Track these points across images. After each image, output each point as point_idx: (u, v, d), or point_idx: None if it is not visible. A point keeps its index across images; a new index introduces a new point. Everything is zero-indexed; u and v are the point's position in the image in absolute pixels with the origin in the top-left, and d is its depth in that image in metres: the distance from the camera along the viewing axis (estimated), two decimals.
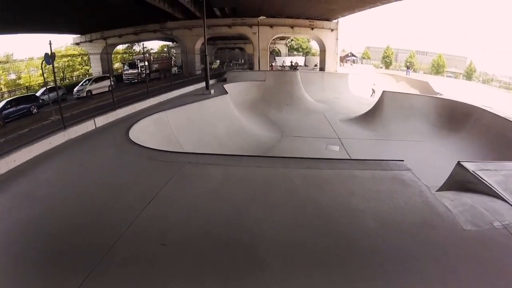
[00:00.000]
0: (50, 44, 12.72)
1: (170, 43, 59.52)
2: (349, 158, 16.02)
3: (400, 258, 4.81)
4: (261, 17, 39.27)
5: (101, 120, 14.26)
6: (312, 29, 44.21)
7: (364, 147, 18.76)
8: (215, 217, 5.87)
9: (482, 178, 7.83)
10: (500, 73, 57.13)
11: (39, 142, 10.89)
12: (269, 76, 27.14)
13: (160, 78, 35.19)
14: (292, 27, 43.72)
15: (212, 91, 21.05)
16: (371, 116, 23.27)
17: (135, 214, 5.99)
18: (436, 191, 9.48)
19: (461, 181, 8.38)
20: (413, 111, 22.25)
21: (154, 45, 74.21)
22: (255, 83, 26.28)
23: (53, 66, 13.20)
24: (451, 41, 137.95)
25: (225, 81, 27.38)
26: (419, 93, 31.45)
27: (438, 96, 26.31)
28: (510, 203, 6.90)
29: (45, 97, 21.43)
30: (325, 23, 44.30)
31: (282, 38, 63.89)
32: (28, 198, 7.32)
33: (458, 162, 8.67)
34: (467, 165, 8.56)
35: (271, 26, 42.97)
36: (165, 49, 59.22)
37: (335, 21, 44.94)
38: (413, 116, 22.07)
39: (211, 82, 26.12)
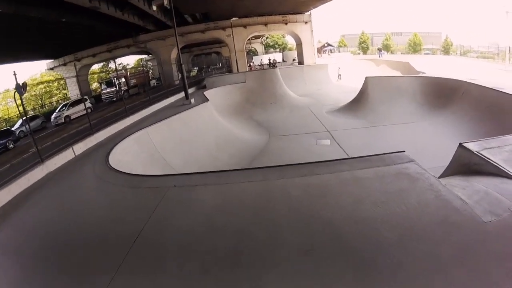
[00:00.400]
0: (15, 74, 11.98)
1: (146, 56, 58.60)
2: (346, 156, 15.26)
3: (430, 270, 4.19)
4: (234, 19, 38.82)
5: (80, 147, 13.43)
6: (286, 24, 43.72)
7: (355, 137, 18.19)
8: (209, 257, 5.06)
9: (488, 158, 7.36)
10: (477, 44, 57.88)
11: (17, 180, 10.15)
12: (249, 77, 26.45)
13: (139, 93, 34.50)
14: (265, 24, 43.18)
15: (193, 100, 20.26)
16: (357, 104, 22.80)
17: (117, 263, 5.21)
18: (440, 176, 9.04)
19: (467, 164, 7.93)
20: (399, 93, 21.89)
21: (131, 60, 73.03)
22: (236, 86, 25.60)
23: (20, 98, 12.39)
24: (424, 19, 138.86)
25: (205, 87, 26.58)
26: (401, 75, 31.09)
27: (421, 75, 25.95)
28: None
29: (24, 128, 20.74)
30: (298, 16, 43.84)
31: (257, 37, 63.34)
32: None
33: (460, 144, 8.20)
34: (470, 145, 8.07)
35: (244, 26, 42.36)
36: (141, 63, 58.20)
37: (307, 13, 44.48)
38: (400, 98, 21.69)
39: (190, 90, 25.44)
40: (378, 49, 52.59)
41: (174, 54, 42.21)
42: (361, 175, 6.79)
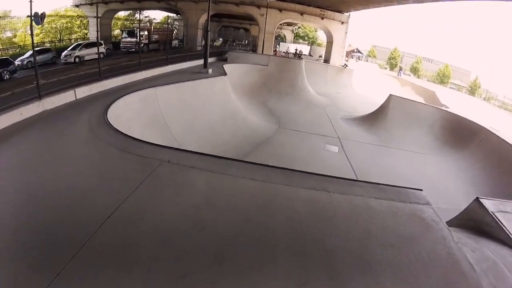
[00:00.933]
0: (31, 2, 11.04)
1: (174, 15, 57.31)
2: (351, 169, 14.59)
3: None
4: None
5: (83, 91, 12.67)
6: (322, 18, 42.13)
7: (364, 152, 17.36)
8: (190, 258, 4.31)
9: (502, 224, 6.81)
10: (501, 93, 57.80)
11: (9, 112, 9.50)
12: (272, 62, 25.40)
13: (159, 50, 33.69)
14: (301, 13, 41.50)
15: (210, 70, 19.30)
16: (374, 119, 21.88)
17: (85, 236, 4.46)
18: (447, 223, 8.44)
19: (479, 221, 7.39)
20: (418, 120, 21.07)
21: (158, 15, 71.53)
22: (257, 67, 24.55)
23: (31, 29, 11.63)
24: (457, 53, 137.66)
25: (225, 61, 25.51)
26: (424, 102, 30.23)
27: (444, 108, 25.11)
28: None
29: (32, 59, 19.38)
30: (336, 14, 42.30)
31: (289, 24, 61.90)
32: None
33: (477, 198, 7.60)
34: (486, 203, 7.46)
35: (280, 10, 40.71)
36: (168, 21, 57.07)
37: (346, 14, 42.96)
38: (418, 125, 20.90)
39: (210, 60, 24.46)
40: (399, 67, 50.93)
41: (202, 19, 40.85)
42: (374, 205, 6.02)
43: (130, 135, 8.56)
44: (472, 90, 61.64)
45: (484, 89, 61.62)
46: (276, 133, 17.12)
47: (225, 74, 19.46)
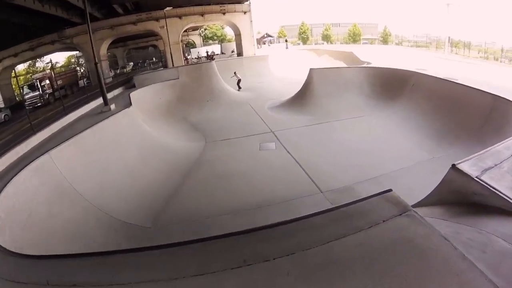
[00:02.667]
0: None
1: (77, 52, 53.47)
2: (295, 162, 13.09)
3: None
4: (168, 8, 35.26)
5: None
6: (224, 14, 40.62)
7: (303, 137, 15.96)
8: None
9: (494, 188, 5.70)
10: (413, 34, 60.74)
11: None
12: (183, 72, 23.14)
13: (67, 95, 29.98)
14: (202, 14, 39.83)
15: (113, 106, 16.51)
16: (301, 98, 20.60)
17: None
18: (421, 204, 7.13)
19: (463, 193, 6.24)
20: (346, 85, 20.10)
21: (61, 58, 66.29)
22: (168, 83, 22.26)
23: None
24: (363, 11, 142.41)
25: (134, 87, 23.06)
26: (345, 65, 29.45)
27: (366, 65, 24.36)
28: None
29: None
30: (237, 6, 41.03)
31: (194, 29, 59.70)
32: None
33: (453, 165, 6.46)
34: (466, 168, 6.31)
35: (179, 17, 38.79)
36: (74, 60, 53.17)
37: (247, 3, 41.87)
38: (347, 91, 19.95)
39: (117, 91, 22.36)
40: (285, 40, 49.58)
41: (104, 49, 38.08)
42: (338, 250, 4.25)
43: (28, 226, 6.83)
44: (384, 39, 63.80)
45: (395, 35, 63.88)
46: (205, 149, 15.11)
47: (130, 105, 16.69)
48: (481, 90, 14.41)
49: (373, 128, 16.60)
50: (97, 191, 10.37)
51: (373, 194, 5.35)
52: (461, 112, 14.76)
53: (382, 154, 13.53)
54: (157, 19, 37.89)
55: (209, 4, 39.74)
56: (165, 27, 36.12)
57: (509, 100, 13.02)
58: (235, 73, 27.13)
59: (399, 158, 12.98)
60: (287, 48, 46.50)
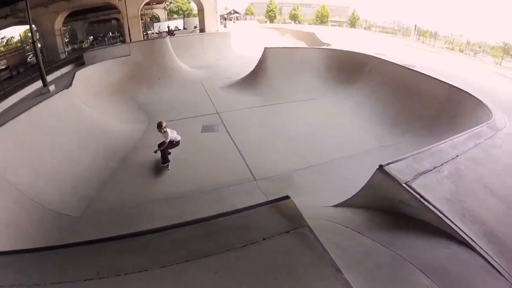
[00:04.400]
0: None
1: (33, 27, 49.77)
2: (236, 149, 12.38)
3: None
4: None
5: None
6: None
7: (249, 118, 15.29)
8: None
9: (425, 199, 5.01)
10: (382, 20, 62.30)
11: None
12: (135, 49, 21.65)
13: (12, 77, 26.35)
14: None
15: (52, 88, 14.80)
16: (254, 78, 19.67)
17: None
18: (337, 205, 6.70)
19: (390, 199, 5.51)
20: (302, 66, 19.42)
21: (16, 33, 60.20)
22: (119, 60, 20.71)
23: None
24: None
25: (84, 64, 21.04)
26: (305, 46, 28.60)
27: (326, 47, 23.64)
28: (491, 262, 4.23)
29: None
30: None
31: (159, 2, 56.90)
32: None
33: (380, 166, 5.77)
34: (394, 170, 5.60)
35: None
36: (31, 34, 49.48)
37: None
38: (303, 72, 19.19)
39: (66, 69, 20.55)
40: (224, 18, 46.47)
41: (59, 23, 35.34)
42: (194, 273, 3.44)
43: None
44: (352, 23, 64.18)
45: (363, 20, 64.41)
46: (146, 132, 14.10)
47: (70, 85, 14.94)
48: (438, 79, 14.12)
49: (324, 111, 16.05)
50: (30, 179, 9.39)
51: (266, 201, 4.57)
52: (416, 100, 14.50)
53: (329, 140, 13.08)
54: None
55: None
56: (123, 0, 33.97)
57: (465, 91, 12.68)
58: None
59: (346, 145, 12.57)
60: (225, 27, 44.15)
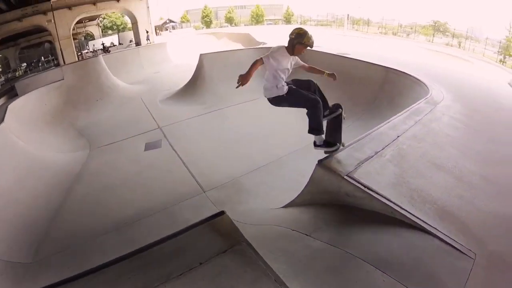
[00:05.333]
0: None
1: None
2: (182, 164, 11.93)
3: None
4: None
5: None
6: (118, 1, 37.16)
7: (192, 129, 14.95)
8: None
9: (370, 189, 4.93)
10: (316, 13, 64.38)
11: None
12: (68, 72, 20.43)
13: None
14: (94, 3, 36.13)
15: None
16: (193, 86, 19.33)
17: None
18: (287, 205, 6.66)
19: (335, 193, 5.37)
20: (239, 68, 18.96)
21: None
22: (54, 85, 19.52)
23: None
24: None
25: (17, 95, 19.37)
26: (242, 47, 28.61)
27: (262, 46, 23.75)
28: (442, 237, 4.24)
29: None
30: None
31: (91, 19, 54.95)
32: None
33: (319, 161, 5.81)
34: (336, 163, 5.64)
35: (69, 7, 34.62)
36: None
37: None
38: (239, 73, 18.82)
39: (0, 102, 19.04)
40: (146, 31, 44.65)
41: None
42: None
43: None
44: (287, 19, 65.62)
45: (298, 15, 65.98)
46: (89, 159, 13.37)
47: (1, 121, 13.51)
48: (373, 63, 14.58)
49: (267, 110, 15.56)
50: None
51: (200, 220, 4.43)
52: (355, 86, 14.88)
53: (275, 138, 13.19)
54: (44, 12, 33.34)
55: None
56: (52, 21, 32.58)
57: (400, 71, 13.14)
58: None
59: (292, 141, 12.56)
60: (148, 42, 41.43)
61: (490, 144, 7.59)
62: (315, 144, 6.34)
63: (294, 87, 6.41)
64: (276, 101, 6.62)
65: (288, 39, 6.21)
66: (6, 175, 10.99)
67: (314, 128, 6.29)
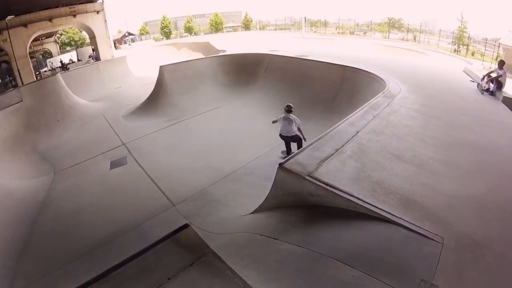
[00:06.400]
0: None
1: None
2: (151, 180, 11.72)
3: None
4: (10, 17, 30.23)
5: None
6: (75, 16, 36.37)
7: (157, 143, 14.83)
8: None
9: (332, 187, 5.04)
10: (275, 18, 66.05)
11: None
12: (26, 93, 19.43)
13: None
14: (50, 19, 34.97)
15: None
16: (155, 99, 19.15)
17: None
18: (261, 205, 6.59)
19: (298, 194, 5.42)
20: (200, 77, 19.43)
21: None
22: (11, 109, 18.22)
23: None
24: (227, 0, 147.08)
25: None
26: (202, 56, 28.47)
27: (222, 53, 23.78)
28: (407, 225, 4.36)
29: None
30: (88, 6, 36.88)
31: (48, 36, 53.27)
32: None
33: (280, 164, 5.85)
34: (296, 164, 5.68)
35: (25, 25, 33.24)
36: None
37: (99, 1, 37.92)
38: (201, 83, 19.22)
39: None
40: (92, 50, 43.02)
41: None
42: None
43: None
44: (246, 26, 66.18)
45: (257, 21, 66.77)
46: (53, 184, 12.84)
47: None
48: (331, 63, 14.83)
49: (230, 117, 16.28)
50: None
51: (165, 235, 4.40)
52: (314, 87, 15.59)
53: (239, 145, 13.29)
54: None
55: (57, 7, 34.95)
56: (8, 40, 31.42)
57: (357, 69, 13.46)
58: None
59: (256, 146, 12.83)
60: (92, 58, 40.45)
61: (448, 129, 7.87)
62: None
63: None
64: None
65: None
66: None
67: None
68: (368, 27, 49.03)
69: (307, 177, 5.24)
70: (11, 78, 39.93)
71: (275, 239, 4.86)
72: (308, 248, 4.34)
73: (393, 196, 4.97)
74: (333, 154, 5.93)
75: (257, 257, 4.46)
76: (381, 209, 4.62)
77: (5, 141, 16.47)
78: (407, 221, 4.43)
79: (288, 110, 11.15)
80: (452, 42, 34.59)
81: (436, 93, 11.26)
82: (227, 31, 64.73)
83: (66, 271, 8.20)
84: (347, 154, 6.01)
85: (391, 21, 48.44)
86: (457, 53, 30.25)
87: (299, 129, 10.99)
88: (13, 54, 31.99)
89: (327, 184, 5.08)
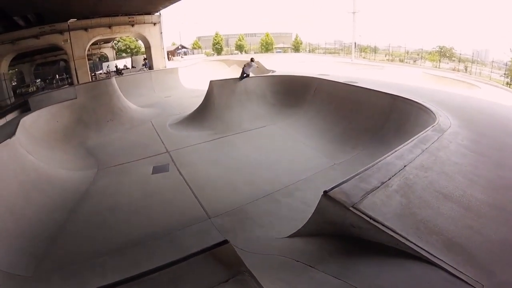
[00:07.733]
0: None
1: None
2: (189, 189, 11.77)
3: None
4: (72, 20, 31.74)
5: None
6: (133, 25, 38.11)
7: (200, 154, 14.88)
8: None
9: (375, 220, 4.83)
10: (324, 41, 65.87)
11: None
12: (81, 91, 20.62)
13: None
14: (110, 26, 36.80)
15: None
16: (203, 112, 19.50)
17: None
18: (300, 230, 6.39)
19: (340, 224, 5.26)
20: (248, 95, 19.53)
21: None
22: (65, 104, 19.65)
23: None
24: (277, 21, 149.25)
25: (30, 110, 19.58)
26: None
27: (271, 73, 23.97)
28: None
29: None
30: (146, 17, 38.60)
31: (107, 41, 55.83)
32: None
33: (324, 192, 5.49)
34: (338, 194, 5.41)
35: (85, 29, 35.31)
36: None
37: (157, 14, 39.52)
38: (249, 101, 19.32)
39: (12, 115, 19.21)
40: (144, 62, 43.82)
41: (4, 67, 33.75)
42: None
43: None
44: (296, 47, 66.30)
45: (307, 43, 67.05)
46: (95, 179, 13.23)
47: (13, 134, 13.55)
48: (379, 91, 14.60)
49: (275, 138, 16.18)
50: None
51: (202, 248, 4.32)
52: (362, 114, 15.04)
53: (281, 166, 13.05)
54: (61, 32, 34.01)
55: (117, 15, 36.79)
56: (68, 41, 33.10)
57: (407, 99, 13.13)
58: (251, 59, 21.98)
59: (299, 169, 12.56)
60: (145, 67, 41.77)
61: (498, 170, 7.45)
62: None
63: None
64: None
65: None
66: (13, 187, 10.97)
67: None
68: (418, 55, 48.09)
69: (351, 208, 5.03)
70: (67, 76, 42.20)
71: (311, 266, 4.69)
72: (345, 281, 4.15)
73: (436, 236, 4.72)
74: (379, 187, 5.71)
75: (291, 283, 4.33)
76: (423, 249, 4.39)
77: (56, 133, 17.34)
78: (448, 264, 4.19)
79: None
80: (505, 74, 33.23)
81: (487, 130, 10.72)
82: (277, 52, 65.47)
83: (93, 264, 8.31)
84: (393, 188, 5.78)
85: (442, 50, 47.33)
86: (510, 87, 28.86)
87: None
88: (72, 54, 33.70)
89: (370, 218, 4.88)
